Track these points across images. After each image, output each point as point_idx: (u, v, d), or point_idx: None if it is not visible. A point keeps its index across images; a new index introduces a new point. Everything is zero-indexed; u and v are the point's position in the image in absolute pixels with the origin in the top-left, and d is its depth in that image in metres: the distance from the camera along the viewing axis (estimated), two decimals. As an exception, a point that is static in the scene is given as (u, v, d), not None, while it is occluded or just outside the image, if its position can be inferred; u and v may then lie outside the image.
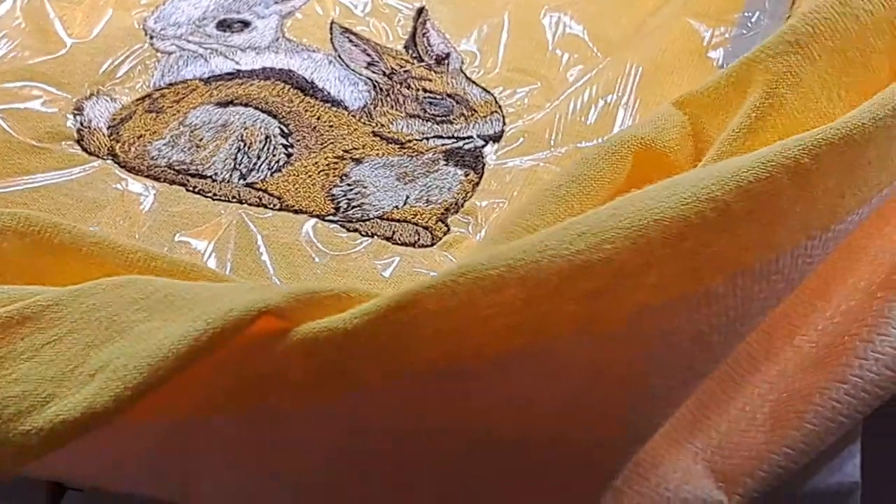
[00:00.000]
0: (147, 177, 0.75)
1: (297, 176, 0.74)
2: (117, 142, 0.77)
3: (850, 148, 0.54)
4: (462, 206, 0.73)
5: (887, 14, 0.61)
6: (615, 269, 0.48)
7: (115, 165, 0.75)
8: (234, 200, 0.73)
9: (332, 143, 0.77)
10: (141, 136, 0.77)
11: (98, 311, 0.50)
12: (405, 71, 0.82)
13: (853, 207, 0.56)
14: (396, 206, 0.73)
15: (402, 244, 0.71)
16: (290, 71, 0.82)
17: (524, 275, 0.48)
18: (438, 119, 0.78)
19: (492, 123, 0.79)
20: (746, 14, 0.83)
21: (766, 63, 0.60)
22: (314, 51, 0.84)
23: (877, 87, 0.59)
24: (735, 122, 0.59)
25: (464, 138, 0.77)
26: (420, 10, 0.87)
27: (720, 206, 0.50)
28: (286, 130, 0.77)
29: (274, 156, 0.75)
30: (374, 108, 0.79)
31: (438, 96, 0.80)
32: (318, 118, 0.78)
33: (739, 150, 0.58)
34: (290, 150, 0.76)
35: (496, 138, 0.78)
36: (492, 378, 0.49)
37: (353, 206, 0.73)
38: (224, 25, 0.86)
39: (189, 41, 0.85)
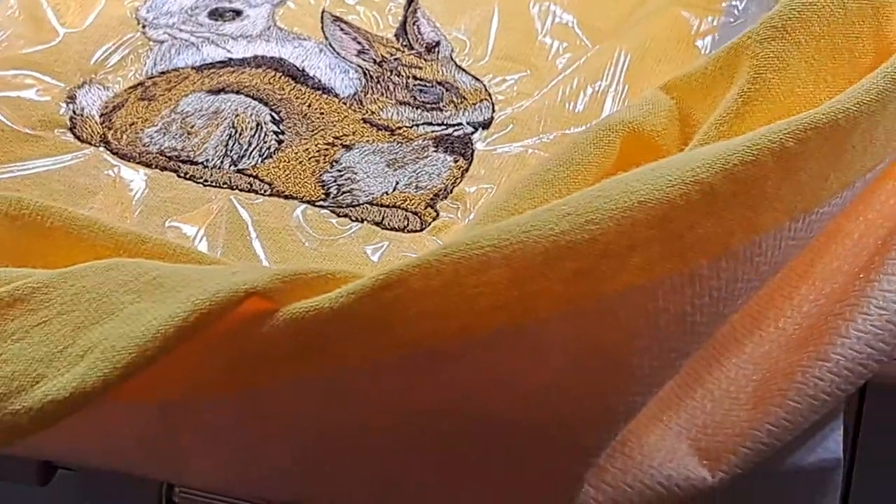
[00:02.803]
0: (139, 163, 0.75)
1: (288, 162, 0.75)
2: (109, 129, 0.77)
3: (834, 132, 0.54)
4: (451, 191, 0.74)
5: (872, -1, 0.61)
6: (600, 250, 0.49)
7: (107, 152, 0.76)
8: (225, 186, 0.73)
9: (322, 129, 0.77)
10: (133, 123, 0.78)
11: (87, 293, 0.50)
12: (395, 59, 0.82)
13: (837, 191, 0.56)
14: (386, 192, 0.73)
15: (391, 229, 0.71)
16: (282, 59, 0.82)
17: (509, 254, 0.48)
18: (428, 106, 0.79)
19: (481, 111, 0.79)
20: (734, 3, 0.84)
21: (753, 48, 0.60)
22: (305, 39, 0.85)
23: (862, 71, 0.59)
24: (722, 106, 0.59)
25: (453, 125, 0.78)
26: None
27: (705, 189, 0.51)
28: (277, 117, 0.78)
29: (265, 142, 0.76)
30: (365, 95, 0.80)
31: (428, 84, 0.80)
32: (309, 105, 0.79)
33: (726, 134, 0.58)
34: (280, 136, 0.76)
35: (485, 125, 0.78)
36: (476, 357, 0.49)
37: (343, 192, 0.73)
38: (216, 14, 0.87)
39: (181, 30, 0.85)
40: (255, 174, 0.74)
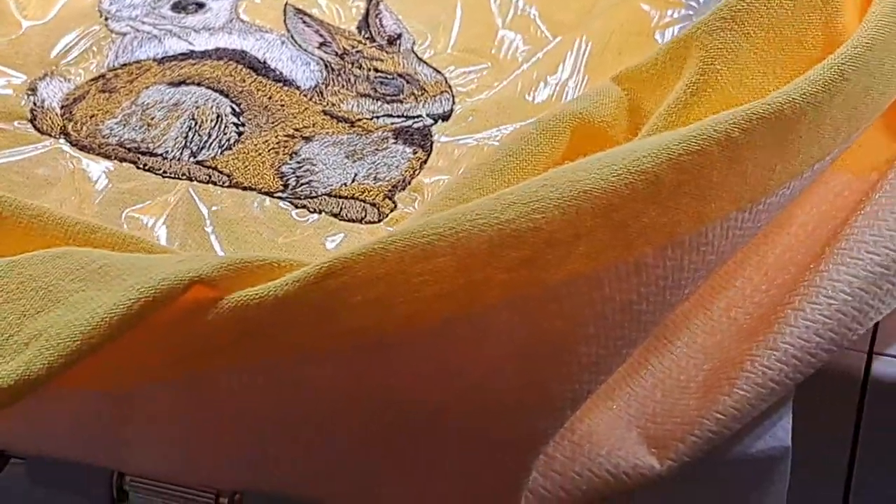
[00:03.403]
0: (98, 155, 0.75)
1: (248, 154, 0.75)
2: (70, 121, 0.77)
3: (780, 123, 0.55)
4: (409, 183, 0.74)
5: (822, -11, 0.62)
6: (545, 238, 0.49)
7: (67, 144, 0.76)
8: (184, 178, 0.74)
9: (283, 121, 0.77)
10: (93, 115, 0.78)
11: (34, 282, 0.51)
12: (357, 51, 0.83)
13: (784, 180, 0.56)
14: (345, 184, 0.73)
15: (349, 220, 0.71)
16: (244, 51, 0.83)
17: (454, 243, 0.49)
18: (389, 98, 0.79)
19: (441, 102, 0.79)
20: (694, -5, 0.84)
21: (702, 39, 0.61)
22: (267, 31, 0.85)
23: (811, 62, 0.60)
24: (671, 97, 0.60)
25: (413, 117, 0.78)
26: (374, -8, 0.88)
27: (650, 179, 0.51)
28: (238, 109, 0.78)
29: (225, 134, 0.76)
30: (326, 87, 0.80)
31: (389, 76, 0.81)
32: (270, 97, 0.79)
33: (674, 124, 0.58)
34: (241, 128, 0.77)
35: (445, 117, 0.79)
36: (422, 345, 0.49)
37: (302, 184, 0.73)
38: (179, 7, 0.87)
39: (144, 22, 0.85)
40: (214, 166, 0.74)
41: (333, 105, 0.79)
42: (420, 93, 0.80)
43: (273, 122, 0.77)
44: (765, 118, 0.54)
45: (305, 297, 0.48)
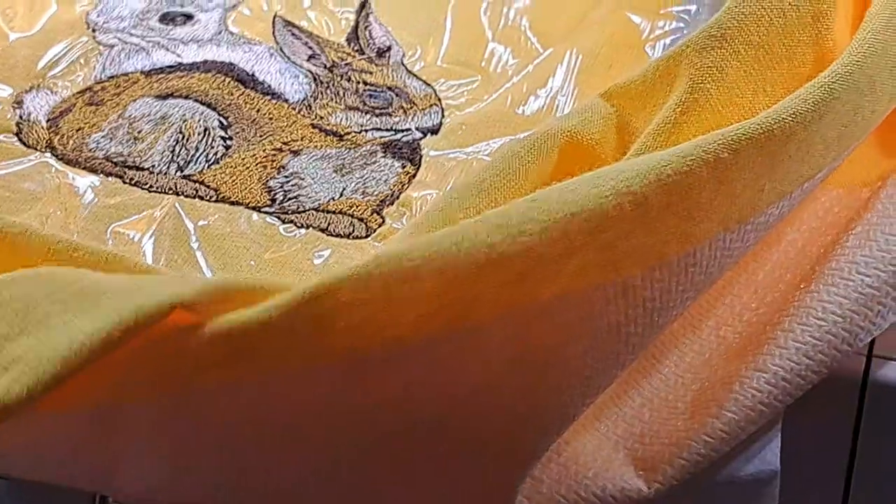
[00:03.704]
0: (85, 169, 0.75)
1: (235, 168, 0.75)
2: (56, 134, 0.77)
3: (770, 143, 0.54)
4: (398, 197, 0.73)
5: (812, 7, 0.61)
6: (534, 258, 0.49)
7: (53, 158, 0.75)
8: (171, 192, 0.73)
9: (271, 135, 0.77)
10: (80, 128, 0.77)
11: (14, 303, 0.50)
12: (346, 64, 0.82)
13: (773, 200, 0.56)
14: (333, 198, 0.73)
15: (336, 235, 0.71)
16: (232, 63, 0.82)
17: (441, 266, 0.48)
18: (378, 111, 0.79)
19: (431, 116, 0.79)
20: (687, 7, 0.84)
21: (691, 57, 0.60)
22: (256, 44, 0.84)
23: (801, 80, 0.59)
24: (660, 116, 0.60)
25: (402, 130, 0.78)
26: (363, 4, 0.87)
27: (638, 200, 0.51)
28: (225, 123, 0.77)
29: (212, 148, 0.76)
30: (315, 100, 0.79)
31: (378, 89, 0.80)
32: (258, 110, 0.78)
33: (663, 144, 0.58)
34: (228, 142, 0.76)
35: (434, 130, 0.78)
36: (408, 362, 0.49)
37: (290, 198, 0.73)
38: (167, 19, 0.86)
39: (132, 34, 0.85)
40: (201, 180, 0.74)
41: (322, 118, 0.78)
42: (409, 106, 0.79)
43: (261, 136, 0.77)
44: (754, 138, 0.54)
45: (289, 322, 0.47)
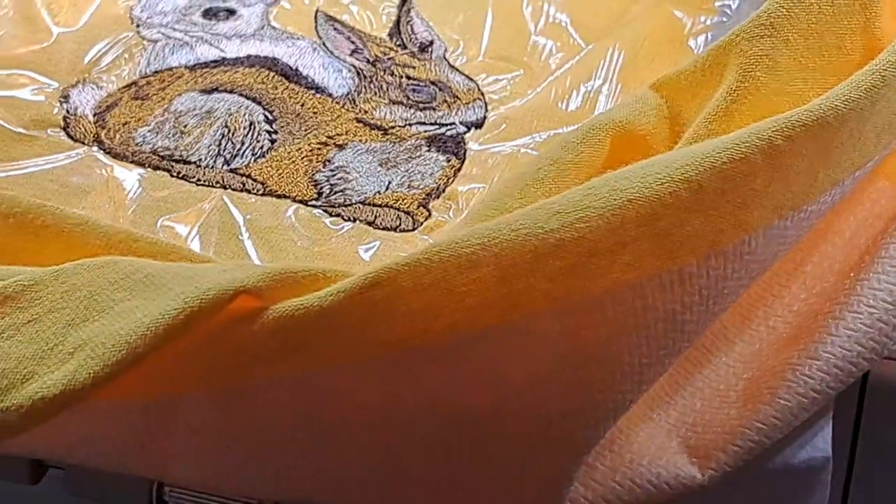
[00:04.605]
0: (132, 163, 0.75)
1: (281, 161, 0.75)
2: (103, 128, 0.77)
3: (823, 130, 0.54)
4: (443, 191, 0.74)
5: (860, -6, 0.61)
6: (588, 248, 0.49)
7: (100, 152, 0.76)
8: (218, 186, 0.74)
9: (315, 129, 0.77)
10: (126, 122, 0.78)
11: (78, 291, 0.51)
12: (389, 58, 0.82)
13: (826, 188, 0.56)
14: (378, 192, 0.73)
15: (383, 229, 0.71)
16: (275, 58, 0.82)
17: (498, 253, 0.48)
18: (421, 106, 0.79)
19: (474, 110, 0.79)
20: (727, 2, 0.84)
21: (742, 46, 0.60)
22: (299, 38, 0.85)
23: (851, 67, 0.59)
24: (711, 104, 0.60)
25: (446, 125, 0.78)
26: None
27: (694, 187, 0.51)
28: (270, 117, 0.78)
29: (258, 142, 0.76)
30: (358, 94, 0.80)
31: (422, 83, 0.80)
32: (303, 105, 0.79)
33: (715, 132, 0.58)
34: (273, 136, 0.77)
35: (478, 125, 0.78)
36: (464, 354, 0.49)
37: (336, 192, 0.73)
38: (209, 14, 0.87)
39: (175, 29, 0.85)
40: (247, 173, 0.74)
41: (366, 112, 0.79)
42: (452, 100, 0.80)
43: (306, 130, 0.77)
44: (808, 125, 0.54)
45: (350, 307, 0.48)
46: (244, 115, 0.78)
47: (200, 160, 0.75)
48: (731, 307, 0.58)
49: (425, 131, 0.77)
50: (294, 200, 0.73)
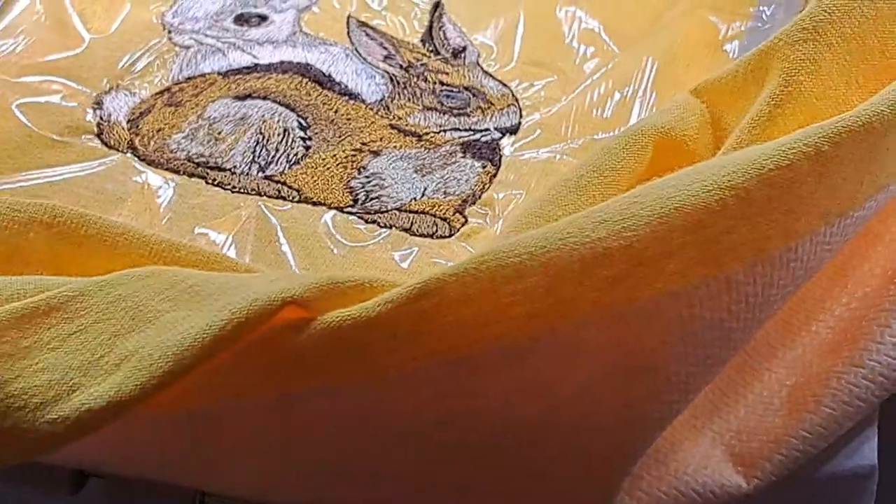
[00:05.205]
0: (166, 170, 0.75)
1: (316, 168, 0.75)
2: (137, 135, 0.77)
3: (869, 135, 0.54)
4: (479, 197, 0.73)
5: (904, -1, 0.61)
6: (635, 256, 0.49)
7: (135, 159, 0.76)
8: (253, 193, 0.73)
9: (349, 135, 0.77)
10: (160, 129, 0.78)
11: (123, 301, 0.50)
12: (422, 64, 0.82)
13: (871, 194, 0.56)
14: (414, 198, 0.73)
15: (420, 235, 0.71)
16: (308, 64, 0.82)
17: (545, 262, 0.48)
18: (455, 112, 0.79)
19: (509, 116, 0.79)
20: (762, 7, 0.83)
21: (784, 51, 0.60)
22: (331, 44, 0.85)
23: (894, 72, 0.59)
24: (754, 110, 0.59)
25: (481, 130, 0.78)
26: (436, 4, 0.87)
27: (741, 194, 0.50)
28: (304, 123, 0.77)
29: (292, 148, 0.76)
30: (392, 100, 0.80)
31: (455, 89, 0.80)
32: (336, 111, 0.79)
33: (759, 138, 0.58)
34: (308, 142, 0.76)
35: (513, 131, 0.78)
36: (512, 364, 0.49)
37: (372, 198, 0.73)
38: (241, 20, 0.87)
39: (207, 35, 0.85)
40: (282, 180, 0.74)
41: (400, 119, 0.78)
42: (487, 106, 0.79)
43: (340, 137, 0.77)
44: (854, 131, 0.53)
45: (398, 317, 0.47)
46: (278, 121, 0.78)
47: (235, 167, 0.75)
48: (775, 314, 0.58)
49: (460, 137, 0.77)
50: (330, 207, 0.73)
